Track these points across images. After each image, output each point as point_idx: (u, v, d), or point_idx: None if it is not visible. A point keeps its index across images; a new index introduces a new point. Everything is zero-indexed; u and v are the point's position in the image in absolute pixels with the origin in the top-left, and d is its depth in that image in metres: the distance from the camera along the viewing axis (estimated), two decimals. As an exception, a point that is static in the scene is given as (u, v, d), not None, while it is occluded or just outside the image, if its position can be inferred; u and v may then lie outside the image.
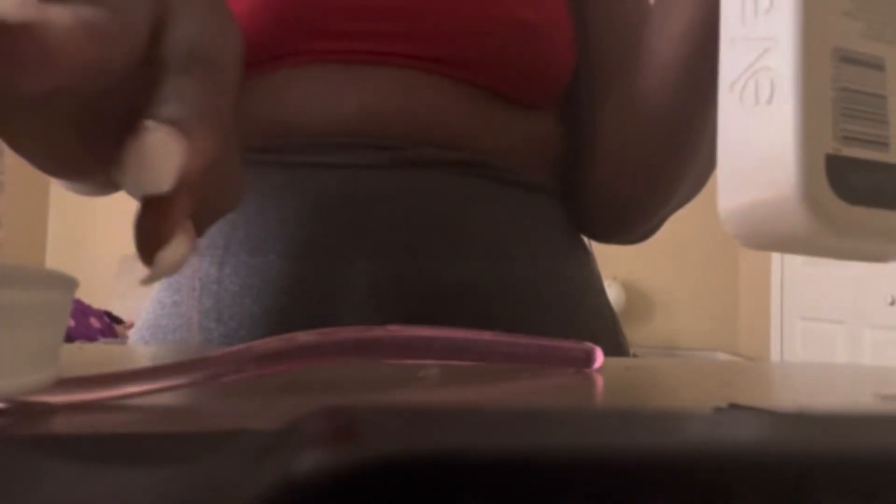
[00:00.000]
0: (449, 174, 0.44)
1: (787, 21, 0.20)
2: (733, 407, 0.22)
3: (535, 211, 0.48)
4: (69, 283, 0.19)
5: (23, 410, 0.20)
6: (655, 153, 0.45)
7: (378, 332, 0.26)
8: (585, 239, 0.54)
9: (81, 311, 2.63)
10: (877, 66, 0.20)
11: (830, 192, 0.19)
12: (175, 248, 0.21)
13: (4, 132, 0.21)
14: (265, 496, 0.08)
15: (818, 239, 0.19)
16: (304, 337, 0.25)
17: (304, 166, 0.43)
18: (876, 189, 0.20)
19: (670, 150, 0.44)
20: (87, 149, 0.23)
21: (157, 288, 0.47)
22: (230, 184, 0.26)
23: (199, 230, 0.25)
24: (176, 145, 0.19)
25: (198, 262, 0.44)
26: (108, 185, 0.25)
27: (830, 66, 0.20)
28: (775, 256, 3.11)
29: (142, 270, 0.21)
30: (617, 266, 3.27)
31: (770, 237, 0.21)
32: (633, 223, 0.51)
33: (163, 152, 0.19)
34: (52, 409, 0.20)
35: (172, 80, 0.21)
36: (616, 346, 0.49)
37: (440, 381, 0.28)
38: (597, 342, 0.33)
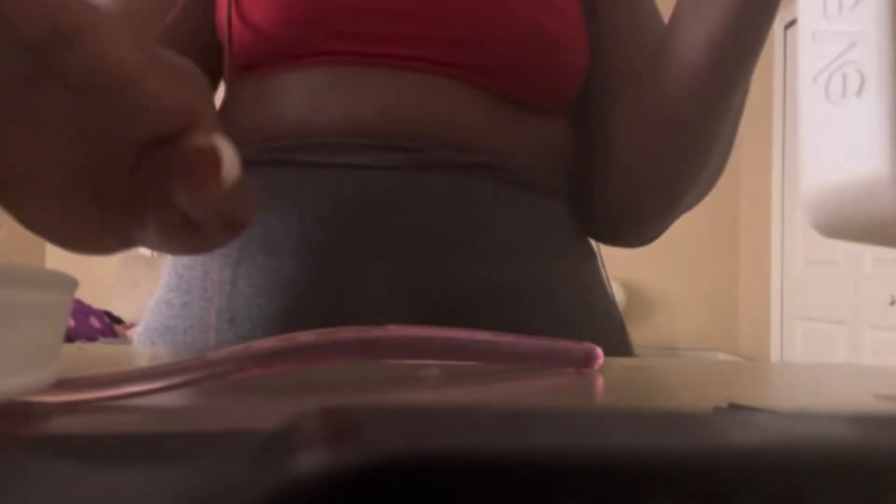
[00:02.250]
0: (464, 177, 0.44)
1: (875, 16, 0.21)
2: (733, 407, 0.22)
3: (547, 213, 0.48)
4: (69, 283, 0.19)
5: (23, 410, 0.20)
6: (668, 157, 0.45)
7: (378, 332, 0.26)
8: (591, 241, 0.54)
9: (81, 311, 2.62)
10: None
11: None
12: (226, 147, 0.23)
13: (10, 205, 0.24)
14: (265, 496, 0.08)
15: None
16: (303, 337, 0.25)
17: (321, 167, 0.43)
18: None
19: (683, 155, 0.44)
20: (100, 218, 0.26)
21: (163, 290, 0.47)
22: (246, 195, 0.27)
23: (222, 242, 0.27)
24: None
25: (210, 263, 0.44)
26: (112, 249, 0.28)
27: None
28: (775, 256, 3.11)
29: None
30: (617, 266, 3.27)
31: (856, 225, 0.21)
32: (641, 227, 0.52)
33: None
34: (52, 409, 0.20)
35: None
36: (624, 346, 0.50)
37: (440, 381, 0.28)
38: (607, 342, 0.33)
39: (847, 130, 0.21)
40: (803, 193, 0.22)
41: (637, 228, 0.52)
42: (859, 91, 0.21)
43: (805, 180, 0.22)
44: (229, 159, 0.23)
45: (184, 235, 0.26)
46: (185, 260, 0.46)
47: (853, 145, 0.21)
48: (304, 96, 0.44)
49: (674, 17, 0.42)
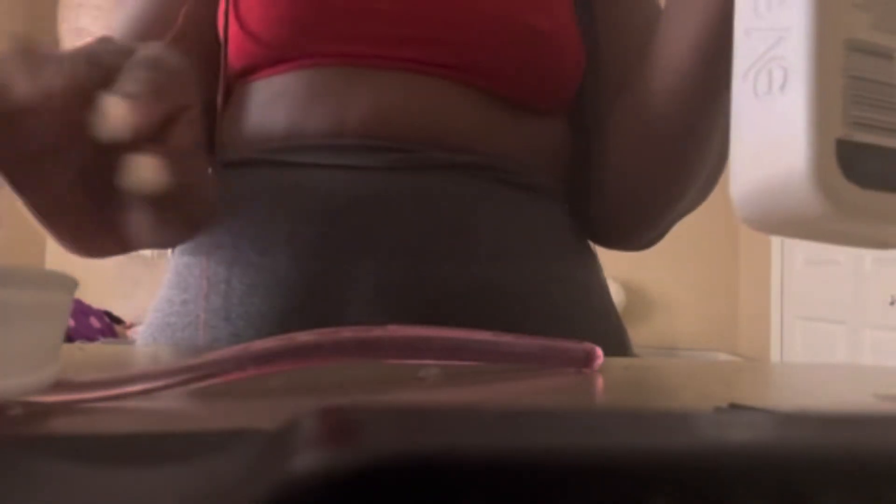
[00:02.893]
0: (457, 177, 0.44)
1: (800, 12, 0.21)
2: (733, 407, 0.22)
3: (542, 214, 0.48)
4: (69, 283, 0.19)
5: (23, 410, 0.20)
6: (663, 159, 0.45)
7: (378, 332, 0.26)
8: (590, 242, 0.54)
9: (81, 311, 2.62)
10: (886, 55, 0.21)
11: (840, 175, 0.20)
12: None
13: (25, 188, 0.28)
14: (265, 496, 0.08)
15: (827, 221, 0.20)
16: (303, 337, 0.25)
17: (314, 167, 0.43)
18: (884, 173, 0.20)
19: (677, 156, 0.44)
20: (92, 208, 0.29)
21: (165, 287, 0.48)
22: (200, 189, 0.31)
23: (185, 236, 0.31)
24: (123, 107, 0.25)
25: (206, 261, 0.44)
26: (109, 251, 0.32)
27: (841, 56, 0.20)
28: (775, 256, 3.11)
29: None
30: (617, 266, 3.27)
31: (780, 220, 0.21)
32: (639, 231, 0.51)
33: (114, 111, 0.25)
34: (52, 409, 0.20)
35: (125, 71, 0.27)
36: (622, 348, 0.49)
37: (440, 381, 0.28)
38: (606, 344, 0.33)
39: (770, 126, 0.21)
40: (732, 188, 0.22)
41: (635, 232, 0.52)
42: (783, 87, 0.21)
43: (733, 175, 0.22)
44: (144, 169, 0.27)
45: (156, 226, 0.29)
46: (185, 259, 0.47)
47: (775, 141, 0.21)
48: (297, 99, 0.45)
49: (661, 20, 0.42)
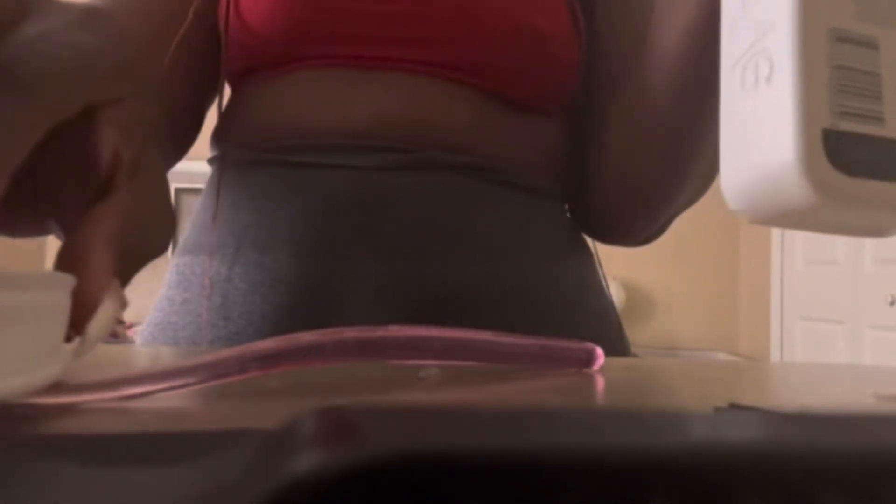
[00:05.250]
0: (456, 177, 0.44)
1: (784, 3, 0.21)
2: (733, 407, 0.22)
3: (540, 214, 0.48)
4: (67, 283, 0.19)
5: (23, 411, 0.20)
6: (661, 151, 0.45)
7: (379, 332, 0.26)
8: (588, 241, 0.54)
9: (81, 311, 2.62)
10: (870, 45, 0.21)
11: (828, 165, 0.20)
12: (104, 314, 0.21)
13: None
14: (265, 496, 0.08)
15: (816, 211, 0.20)
16: (304, 337, 0.25)
17: (314, 167, 0.44)
18: (872, 162, 0.20)
19: (675, 148, 0.44)
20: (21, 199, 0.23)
21: (166, 286, 0.48)
22: (156, 229, 0.25)
23: (125, 281, 0.24)
24: None
25: (207, 260, 0.44)
26: (24, 231, 0.25)
27: (827, 46, 0.20)
28: (775, 256, 3.11)
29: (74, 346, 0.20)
30: (617, 266, 3.27)
31: (771, 211, 0.21)
32: (638, 224, 0.51)
33: None
34: (53, 410, 0.20)
35: None
36: (619, 349, 0.49)
37: (440, 381, 0.28)
38: (602, 344, 0.33)
39: (758, 118, 0.21)
40: (722, 180, 0.23)
41: (635, 227, 0.52)
42: (769, 79, 0.21)
43: (724, 167, 0.22)
44: (101, 322, 0.21)
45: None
46: (186, 258, 0.47)
47: (763, 133, 0.21)
48: (299, 100, 0.45)
49: (655, 9, 0.42)
